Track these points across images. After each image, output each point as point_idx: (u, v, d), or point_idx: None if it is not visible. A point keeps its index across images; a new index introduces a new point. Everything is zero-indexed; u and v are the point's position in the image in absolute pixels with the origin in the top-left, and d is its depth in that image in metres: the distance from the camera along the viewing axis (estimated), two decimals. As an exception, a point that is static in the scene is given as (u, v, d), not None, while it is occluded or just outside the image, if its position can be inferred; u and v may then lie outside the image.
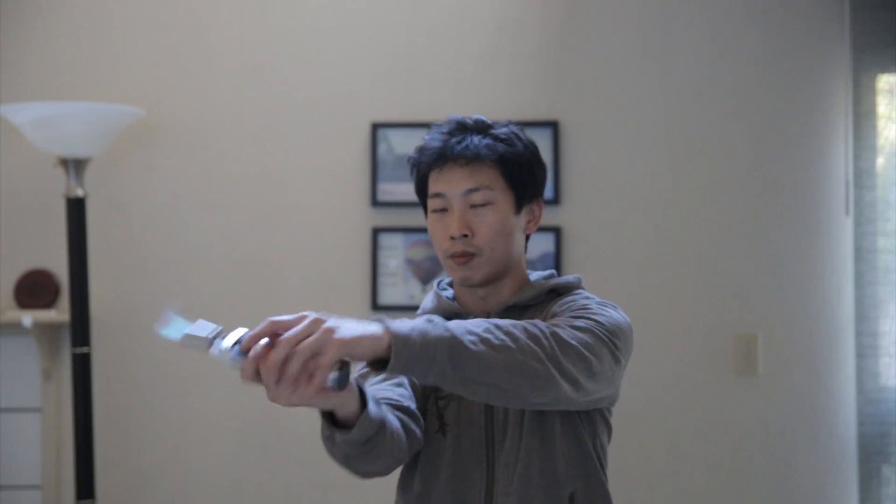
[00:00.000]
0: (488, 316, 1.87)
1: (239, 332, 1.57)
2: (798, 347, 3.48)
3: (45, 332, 3.58)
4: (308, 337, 1.50)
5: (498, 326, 1.62)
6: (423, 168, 1.88)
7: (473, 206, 1.83)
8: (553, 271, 1.96)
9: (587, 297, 1.85)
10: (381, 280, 3.55)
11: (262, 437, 3.59)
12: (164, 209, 3.64)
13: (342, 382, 1.52)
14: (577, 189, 3.55)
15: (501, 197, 1.84)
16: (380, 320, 1.55)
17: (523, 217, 1.89)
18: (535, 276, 1.94)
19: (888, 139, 3.45)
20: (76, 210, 3.41)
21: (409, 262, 3.56)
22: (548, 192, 3.50)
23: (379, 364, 1.55)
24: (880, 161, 3.43)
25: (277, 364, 1.49)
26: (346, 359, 1.51)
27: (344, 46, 3.62)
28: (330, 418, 1.66)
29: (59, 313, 3.55)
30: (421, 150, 1.88)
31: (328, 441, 1.66)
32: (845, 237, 3.45)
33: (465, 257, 1.83)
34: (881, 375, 3.41)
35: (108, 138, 3.44)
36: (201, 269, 3.63)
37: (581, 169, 3.55)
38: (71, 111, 3.34)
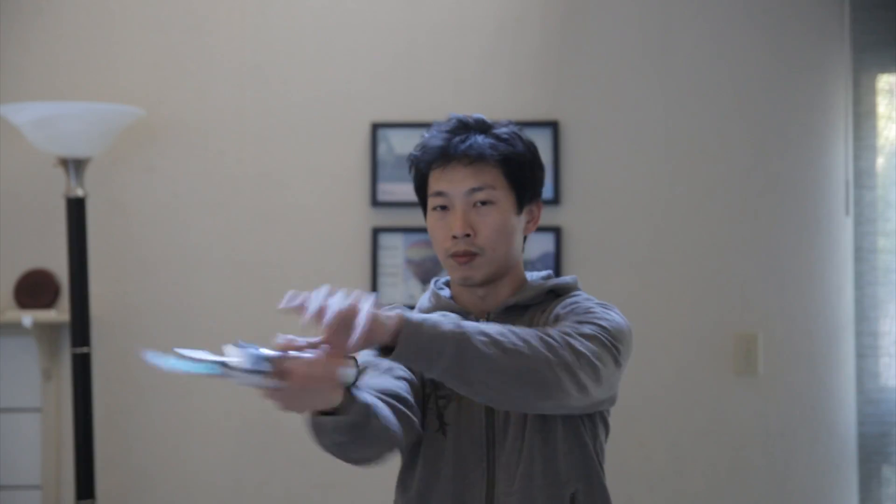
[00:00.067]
0: (488, 315, 1.87)
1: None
2: (798, 347, 3.48)
3: (45, 332, 3.58)
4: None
5: (513, 332, 1.63)
6: (424, 166, 1.87)
7: (475, 206, 1.83)
8: (550, 272, 1.96)
9: (588, 299, 1.86)
10: (382, 280, 3.55)
11: (262, 437, 3.59)
12: (164, 209, 3.64)
13: (355, 377, 1.54)
14: (577, 189, 3.55)
15: (503, 197, 1.84)
16: (397, 307, 1.60)
17: (524, 217, 1.89)
18: (533, 276, 1.94)
19: (888, 139, 3.45)
20: (76, 210, 3.41)
21: (409, 262, 3.56)
22: (548, 192, 3.50)
23: (389, 351, 1.57)
24: (880, 161, 3.43)
25: (326, 315, 1.52)
26: (356, 356, 1.54)
27: (344, 46, 3.62)
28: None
29: (59, 313, 3.55)
30: (423, 148, 1.87)
31: (315, 429, 1.63)
32: (845, 237, 3.45)
33: (466, 257, 1.83)
34: (881, 375, 3.41)
35: (108, 138, 3.43)
36: (201, 269, 3.63)
37: (581, 169, 3.55)
38: (71, 111, 3.34)
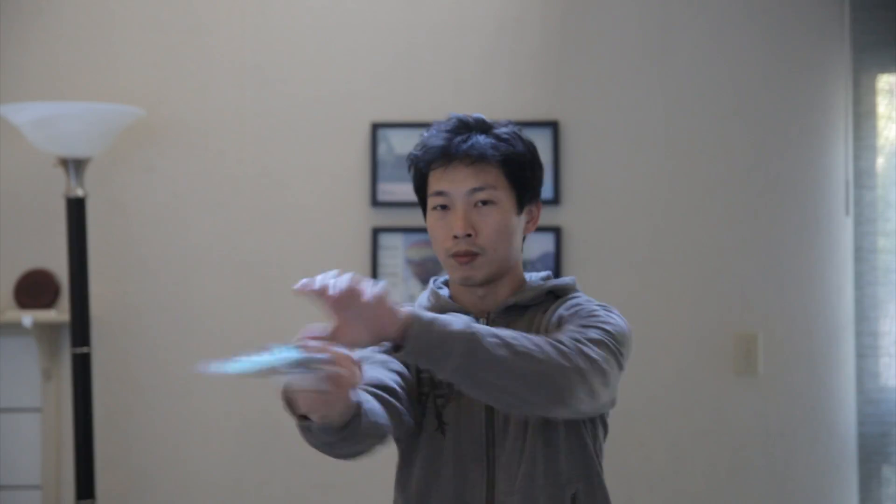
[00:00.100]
0: (488, 315, 1.87)
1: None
2: (798, 347, 3.48)
3: (45, 332, 3.58)
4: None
5: (526, 337, 1.65)
6: (424, 166, 1.87)
7: (476, 206, 1.83)
8: (549, 272, 1.96)
9: (589, 301, 1.86)
10: (381, 280, 3.54)
11: (262, 437, 3.59)
12: (164, 209, 3.64)
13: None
14: (577, 189, 3.55)
15: (504, 197, 1.84)
16: (409, 306, 1.61)
17: (524, 217, 1.89)
18: (532, 276, 1.94)
19: (888, 139, 3.45)
20: (76, 210, 3.41)
21: (409, 262, 3.56)
22: (548, 192, 3.50)
23: (398, 349, 1.59)
24: (880, 161, 3.43)
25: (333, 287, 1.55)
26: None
27: (344, 46, 3.62)
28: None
29: (59, 313, 3.55)
30: (423, 147, 1.87)
31: (305, 431, 1.64)
32: (845, 237, 3.45)
33: (468, 257, 1.83)
34: (881, 375, 3.41)
35: (108, 138, 3.43)
36: (201, 269, 3.63)
37: (581, 169, 3.55)
38: (71, 111, 3.34)
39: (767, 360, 3.48)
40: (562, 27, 3.57)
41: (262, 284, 3.60)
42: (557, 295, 1.90)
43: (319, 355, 1.48)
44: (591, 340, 1.71)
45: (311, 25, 3.63)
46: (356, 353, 1.62)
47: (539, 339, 1.66)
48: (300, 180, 3.62)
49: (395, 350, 1.60)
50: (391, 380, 1.78)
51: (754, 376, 3.48)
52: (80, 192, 3.42)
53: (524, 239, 1.92)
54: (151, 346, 3.63)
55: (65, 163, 3.40)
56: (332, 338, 1.57)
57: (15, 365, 3.62)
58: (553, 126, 3.53)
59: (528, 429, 1.78)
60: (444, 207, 1.85)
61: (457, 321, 1.61)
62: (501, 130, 1.87)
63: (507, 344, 1.61)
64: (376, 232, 3.56)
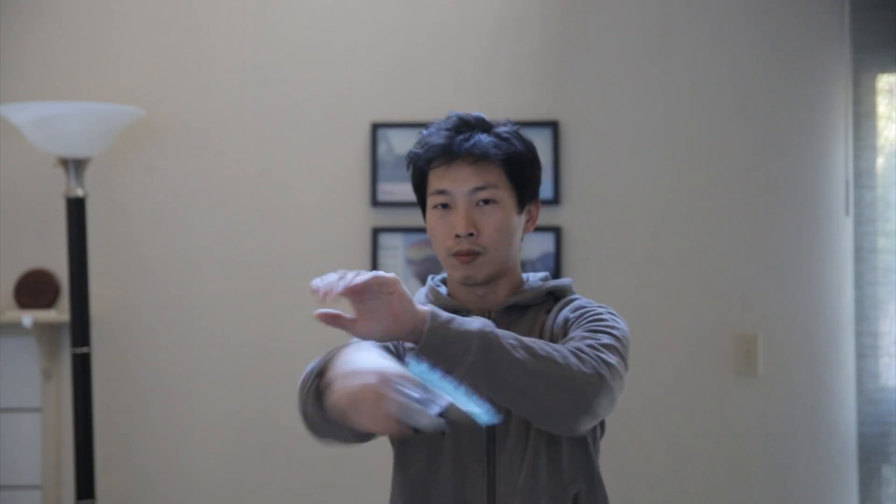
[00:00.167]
0: (489, 315, 1.87)
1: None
2: (798, 347, 3.48)
3: (45, 332, 3.58)
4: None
5: (547, 343, 1.66)
6: (425, 164, 1.87)
7: (477, 205, 1.83)
8: (547, 273, 1.97)
9: (590, 303, 1.87)
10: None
11: (262, 437, 3.59)
12: (164, 209, 3.64)
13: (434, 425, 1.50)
14: (577, 189, 3.55)
15: (506, 196, 1.85)
16: (428, 306, 1.64)
17: (523, 217, 1.90)
18: (530, 277, 1.95)
19: (888, 139, 3.45)
20: (76, 210, 3.41)
21: (410, 262, 3.56)
22: (548, 192, 3.51)
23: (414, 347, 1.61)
24: (880, 161, 3.43)
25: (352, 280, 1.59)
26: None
27: (344, 46, 3.62)
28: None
29: (59, 313, 3.55)
30: (424, 145, 1.87)
31: (324, 424, 1.65)
32: (845, 237, 3.45)
33: (469, 256, 1.83)
34: (881, 375, 3.41)
35: (108, 138, 3.43)
36: (201, 269, 3.63)
37: (581, 169, 3.55)
38: (71, 111, 3.34)
39: (767, 360, 3.48)
40: (562, 27, 3.57)
41: (262, 284, 3.60)
42: (557, 296, 1.91)
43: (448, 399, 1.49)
44: (606, 346, 1.72)
45: (311, 25, 3.63)
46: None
47: (559, 346, 1.67)
48: (300, 180, 3.62)
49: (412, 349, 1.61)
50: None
51: (754, 376, 3.48)
52: (80, 192, 3.42)
53: (522, 238, 1.93)
54: (151, 346, 3.63)
55: (65, 163, 3.40)
56: (350, 328, 1.60)
57: (15, 365, 3.62)
58: (553, 126, 3.53)
59: (530, 428, 1.78)
60: (444, 206, 1.85)
61: (475, 321, 1.62)
62: (502, 129, 1.87)
63: (525, 346, 1.62)
64: (376, 232, 3.56)
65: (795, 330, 3.48)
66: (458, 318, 1.62)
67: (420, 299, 1.93)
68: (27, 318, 3.50)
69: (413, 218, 3.35)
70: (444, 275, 1.95)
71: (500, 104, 3.50)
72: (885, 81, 3.45)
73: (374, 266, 3.54)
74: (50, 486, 3.60)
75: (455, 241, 1.83)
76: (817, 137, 3.49)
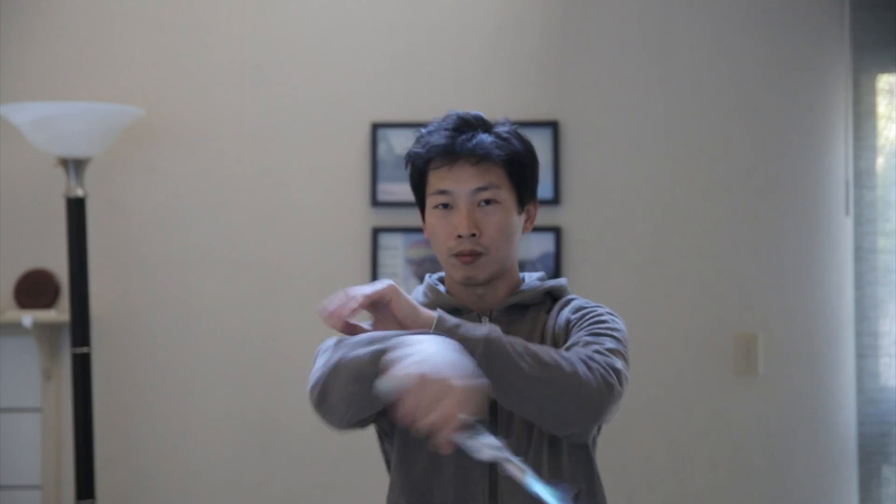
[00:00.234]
0: (490, 314, 1.87)
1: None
2: (798, 347, 3.48)
3: (45, 332, 3.58)
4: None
5: (555, 350, 1.67)
6: (425, 164, 1.86)
7: (479, 206, 1.83)
8: (543, 273, 1.98)
9: (587, 303, 1.88)
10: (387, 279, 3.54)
11: (262, 437, 3.59)
12: (164, 209, 3.64)
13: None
14: (577, 189, 3.55)
15: (507, 196, 1.85)
16: (437, 311, 1.68)
17: (523, 217, 1.90)
18: (528, 277, 1.95)
19: (888, 139, 3.45)
20: (76, 210, 3.41)
21: (410, 262, 3.56)
22: (548, 192, 3.51)
23: None
24: (880, 161, 3.43)
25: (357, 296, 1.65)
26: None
27: (344, 46, 3.62)
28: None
29: (59, 313, 3.55)
30: (425, 146, 1.86)
31: (368, 396, 1.62)
32: (845, 237, 3.45)
33: (471, 256, 1.83)
34: (881, 375, 3.41)
35: (108, 138, 3.43)
36: (201, 269, 3.63)
37: (581, 169, 3.55)
38: (71, 111, 3.34)
39: (767, 360, 3.48)
40: (562, 27, 3.57)
41: (262, 284, 3.60)
42: (554, 296, 1.92)
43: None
44: (611, 351, 1.73)
45: (311, 25, 3.63)
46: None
47: (567, 354, 1.67)
48: (300, 180, 3.61)
49: None
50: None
51: (754, 376, 3.48)
52: (80, 192, 3.42)
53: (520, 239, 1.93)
54: (151, 346, 3.63)
55: (65, 163, 3.40)
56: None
57: (15, 365, 3.62)
58: (553, 126, 3.53)
59: (532, 428, 1.78)
60: (446, 206, 1.84)
61: (482, 327, 1.63)
62: (502, 129, 1.87)
63: (531, 353, 1.62)
64: (376, 232, 3.56)
65: (795, 330, 3.48)
66: (466, 325, 1.64)
67: (417, 297, 1.93)
68: (27, 318, 3.50)
69: (413, 218, 3.34)
70: (442, 273, 1.95)
71: (500, 104, 3.50)
72: (885, 81, 3.45)
73: (374, 266, 3.54)
74: (50, 486, 3.60)
75: (457, 241, 1.83)
76: (817, 137, 3.49)
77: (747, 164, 3.51)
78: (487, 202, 1.83)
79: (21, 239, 3.66)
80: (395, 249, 3.56)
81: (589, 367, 1.66)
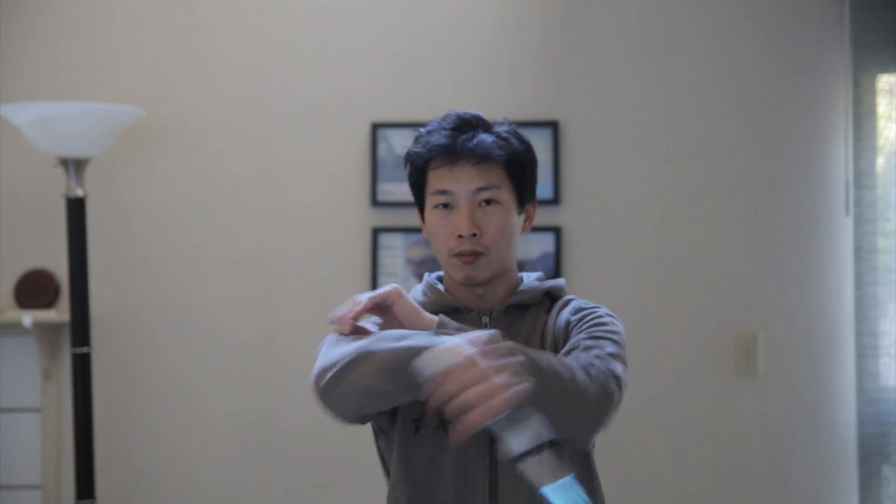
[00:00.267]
0: (490, 314, 1.87)
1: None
2: (798, 347, 3.48)
3: (45, 332, 3.58)
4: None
5: (555, 356, 1.67)
6: (424, 163, 1.86)
7: (479, 205, 1.83)
8: (541, 273, 1.97)
9: (586, 303, 1.88)
10: (382, 280, 3.54)
11: (262, 437, 3.59)
12: (164, 209, 3.64)
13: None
14: (577, 189, 3.55)
15: (507, 196, 1.85)
16: (439, 315, 1.71)
17: (522, 217, 1.90)
18: (527, 277, 1.95)
19: (888, 139, 3.45)
20: (76, 210, 3.41)
21: (409, 262, 3.56)
22: (548, 192, 3.51)
23: None
24: (880, 161, 3.43)
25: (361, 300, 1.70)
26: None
27: (344, 46, 3.62)
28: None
29: (59, 313, 3.55)
30: (426, 145, 1.86)
31: (390, 391, 1.63)
32: (845, 237, 3.45)
33: (472, 256, 1.83)
34: (881, 375, 3.41)
35: (108, 138, 3.43)
36: (201, 269, 3.63)
37: (581, 169, 3.55)
38: (71, 111, 3.34)
39: (767, 360, 3.48)
40: (562, 27, 3.57)
41: (262, 284, 3.60)
42: (553, 296, 1.92)
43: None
44: (611, 355, 1.72)
45: (311, 25, 3.63)
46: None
47: (566, 361, 1.66)
48: (300, 180, 3.62)
49: None
50: None
51: (754, 376, 3.48)
52: (80, 192, 3.42)
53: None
54: (151, 346, 3.63)
55: (65, 163, 3.40)
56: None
57: (15, 365, 3.62)
58: (553, 126, 3.53)
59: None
60: (446, 206, 1.84)
61: (483, 333, 1.61)
62: (501, 129, 1.87)
63: (530, 359, 1.60)
64: (376, 232, 3.56)
65: (795, 330, 3.48)
66: (466, 329, 1.64)
67: (416, 296, 1.93)
68: (27, 318, 3.50)
69: (413, 218, 3.34)
70: (441, 272, 1.95)
71: (500, 104, 3.50)
72: (885, 81, 3.45)
73: (374, 266, 3.54)
74: (50, 486, 3.60)
75: (457, 241, 1.83)
76: (817, 137, 3.49)
77: (747, 164, 3.51)
78: (488, 202, 1.83)
79: (21, 239, 3.66)
80: (395, 249, 3.56)
81: (589, 375, 1.65)
